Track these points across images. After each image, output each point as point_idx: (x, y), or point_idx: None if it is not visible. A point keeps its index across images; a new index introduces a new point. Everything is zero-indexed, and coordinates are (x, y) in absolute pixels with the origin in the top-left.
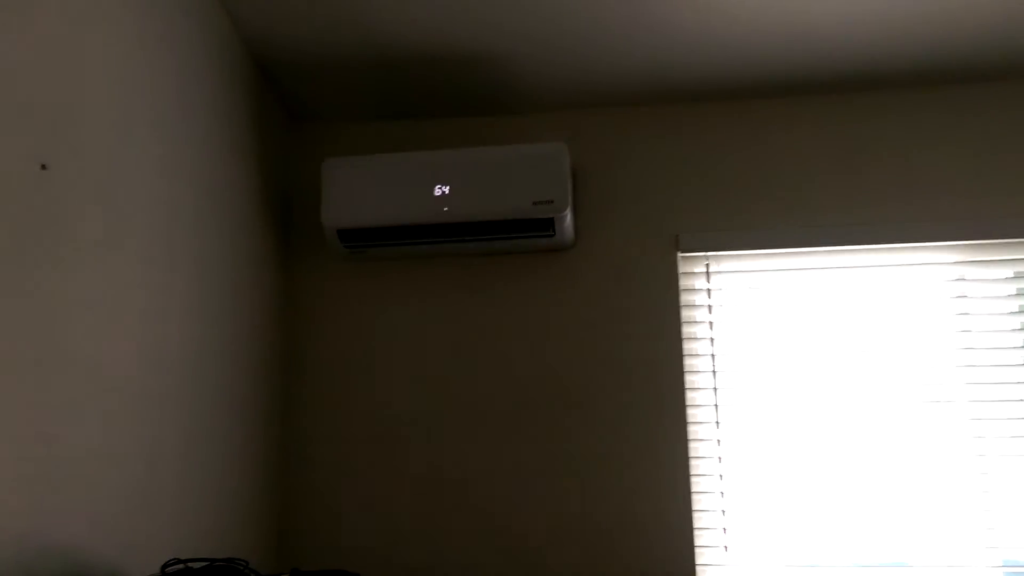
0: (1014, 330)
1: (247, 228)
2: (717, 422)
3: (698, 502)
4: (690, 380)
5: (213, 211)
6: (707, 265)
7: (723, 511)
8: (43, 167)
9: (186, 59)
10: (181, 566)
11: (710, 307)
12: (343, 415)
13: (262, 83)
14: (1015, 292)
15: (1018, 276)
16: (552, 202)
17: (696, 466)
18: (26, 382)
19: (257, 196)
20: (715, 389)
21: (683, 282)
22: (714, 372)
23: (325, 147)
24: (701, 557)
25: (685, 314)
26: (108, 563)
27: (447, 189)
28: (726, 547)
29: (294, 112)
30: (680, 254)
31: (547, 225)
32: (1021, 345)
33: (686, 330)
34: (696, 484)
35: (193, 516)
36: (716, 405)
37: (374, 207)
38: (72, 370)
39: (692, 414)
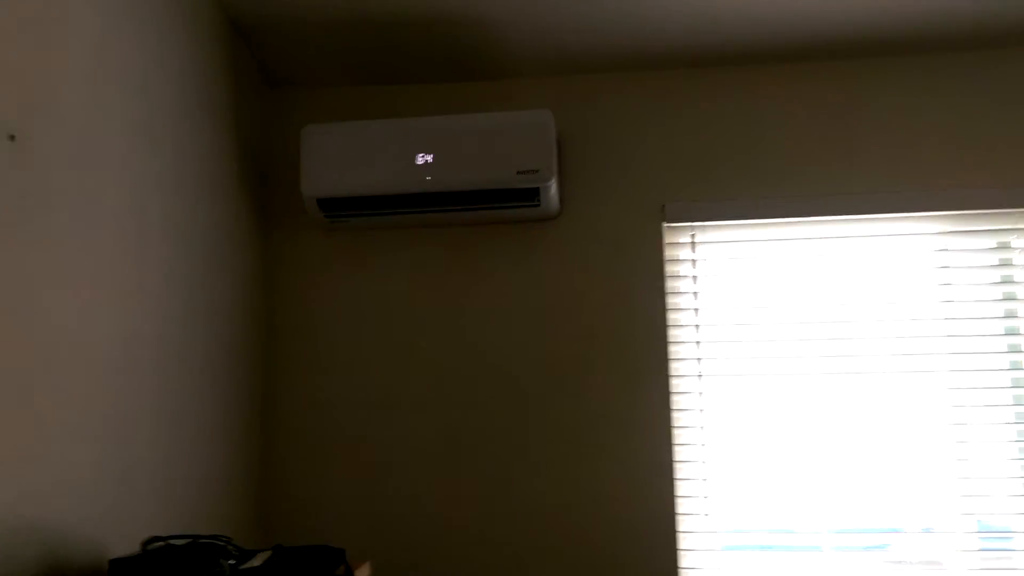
0: (995, 300)
1: (224, 197)
2: (700, 392)
3: (680, 470)
4: (674, 350)
5: (189, 179)
6: (692, 235)
7: (704, 479)
8: (11, 138)
9: (159, 21)
10: (162, 543)
11: (695, 277)
12: (323, 388)
13: (239, 46)
14: (997, 262)
15: (1001, 247)
16: (537, 171)
17: (679, 435)
18: (6, 361)
19: (234, 164)
20: (699, 359)
21: (668, 252)
22: (698, 342)
23: (304, 113)
24: (683, 525)
25: (670, 284)
26: (86, 540)
27: (430, 157)
28: (707, 515)
29: (272, 77)
30: (665, 224)
31: (532, 195)
32: (1002, 315)
33: (671, 300)
34: (678, 453)
35: (172, 493)
36: (700, 375)
37: (355, 175)
38: (46, 344)
39: (676, 384)
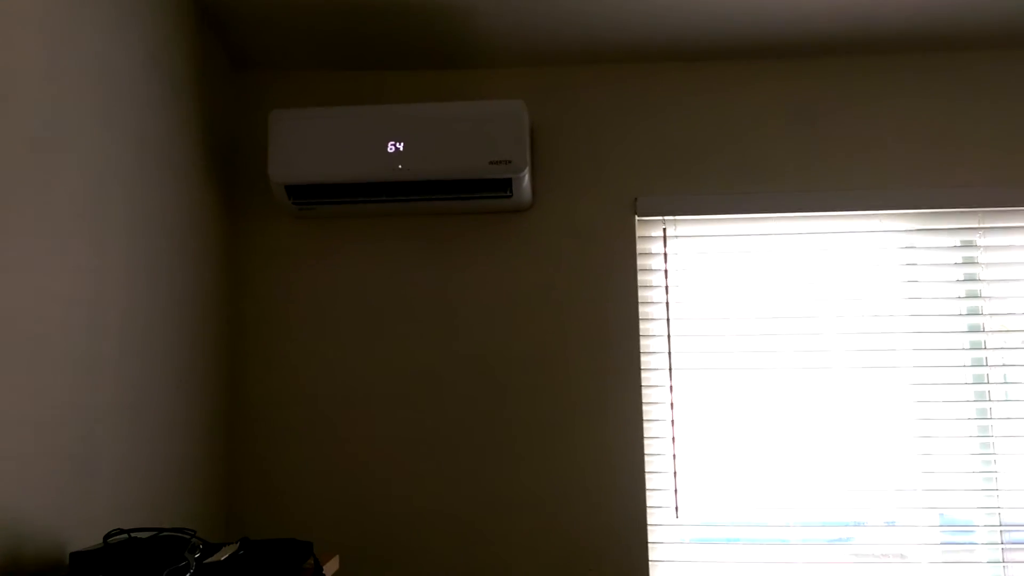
0: (959, 298)
1: (188, 182)
2: (671, 386)
3: (650, 464)
4: (645, 344)
5: (151, 163)
6: (664, 229)
7: (675, 473)
8: None
9: (125, 4)
10: (125, 536)
11: (667, 271)
12: (290, 379)
13: (203, 27)
14: (961, 260)
15: (965, 245)
16: (510, 162)
17: (649, 428)
18: None
19: (199, 148)
20: (670, 353)
21: (640, 246)
22: (669, 336)
23: (272, 97)
24: (652, 518)
25: (642, 278)
26: (45, 533)
27: (401, 145)
28: (677, 509)
29: (238, 60)
30: (638, 217)
31: (504, 185)
32: (965, 313)
33: (643, 294)
34: (649, 446)
35: (134, 485)
36: (670, 369)
37: (324, 162)
38: (2, 334)
39: (646, 377)
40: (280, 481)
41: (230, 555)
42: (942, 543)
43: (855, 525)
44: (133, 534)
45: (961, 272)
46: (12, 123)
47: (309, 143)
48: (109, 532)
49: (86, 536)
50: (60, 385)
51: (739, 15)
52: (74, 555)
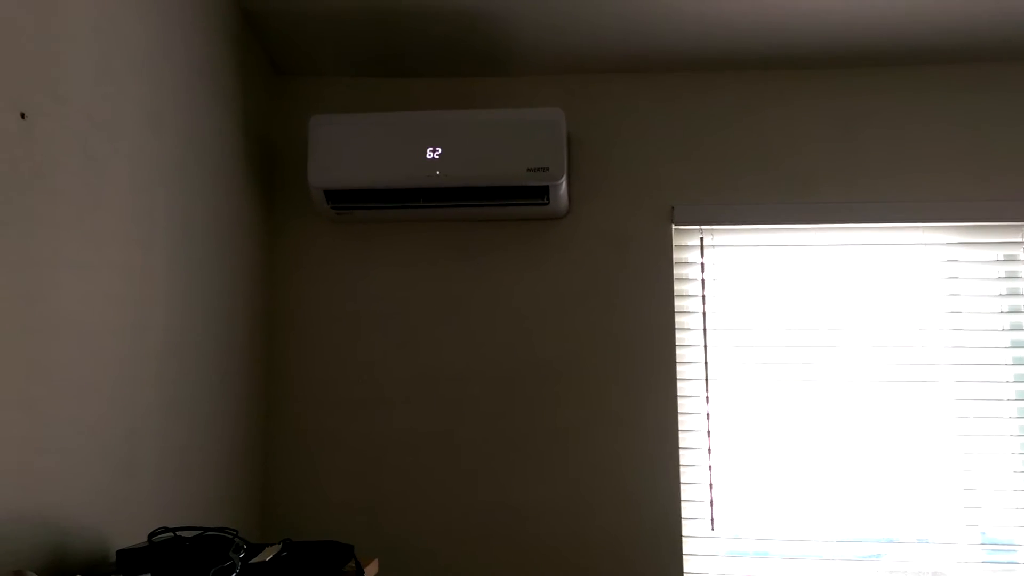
0: (1001, 312)
1: (231, 186)
2: (707, 397)
3: (686, 475)
4: (681, 354)
5: (195, 167)
6: (701, 238)
7: (710, 484)
8: (22, 116)
9: (168, 5)
10: (170, 535)
11: (703, 281)
12: (328, 380)
13: (248, 34)
14: (1004, 274)
15: (1008, 259)
16: (548, 170)
17: (684, 439)
18: (5, 345)
19: (241, 153)
20: (706, 364)
21: (677, 255)
22: (705, 347)
23: (312, 104)
24: (687, 529)
25: (678, 287)
26: (90, 531)
27: (439, 152)
28: (712, 520)
29: (280, 66)
30: (674, 226)
31: (541, 193)
32: (1008, 328)
33: (679, 303)
34: (684, 457)
35: (175, 485)
36: (706, 379)
37: (363, 168)
38: (51, 333)
39: (682, 388)
40: (314, 482)
41: (273, 556)
42: (983, 561)
43: (892, 541)
44: (178, 533)
45: (1004, 286)
46: (64, 122)
47: (348, 149)
48: (154, 530)
49: (129, 534)
50: (105, 383)
51: (780, 26)
52: (121, 552)
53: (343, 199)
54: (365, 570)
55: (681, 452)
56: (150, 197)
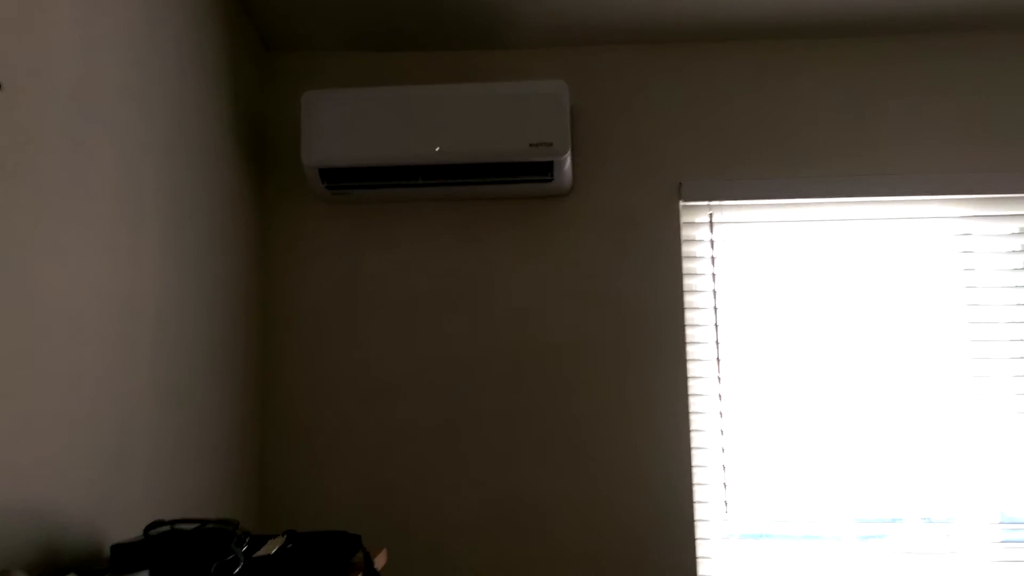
0: (1017, 287)
1: (221, 165)
2: (719, 377)
3: (698, 458)
4: (691, 334)
5: (184, 144)
6: (710, 215)
7: (723, 467)
8: None
9: None
10: (167, 527)
11: (713, 258)
12: (325, 368)
13: (236, 7)
14: (1020, 248)
15: None
16: (551, 144)
17: (696, 422)
18: None
19: (231, 130)
20: (717, 343)
21: (685, 232)
22: (716, 326)
23: (305, 80)
24: (700, 513)
25: (687, 265)
26: (84, 525)
27: (438, 127)
28: (726, 503)
29: (271, 41)
30: (682, 203)
31: (545, 169)
32: None
33: (687, 282)
34: (696, 440)
35: (169, 477)
36: (718, 360)
37: (358, 145)
38: (36, 321)
39: (692, 369)
40: (313, 473)
41: (278, 548)
42: (1001, 541)
43: (908, 521)
44: (176, 526)
45: (1020, 260)
46: (45, 95)
47: (343, 125)
48: (150, 523)
49: (123, 528)
50: (95, 374)
51: None
52: (115, 547)
53: (338, 178)
54: (374, 561)
55: (693, 435)
56: (137, 178)
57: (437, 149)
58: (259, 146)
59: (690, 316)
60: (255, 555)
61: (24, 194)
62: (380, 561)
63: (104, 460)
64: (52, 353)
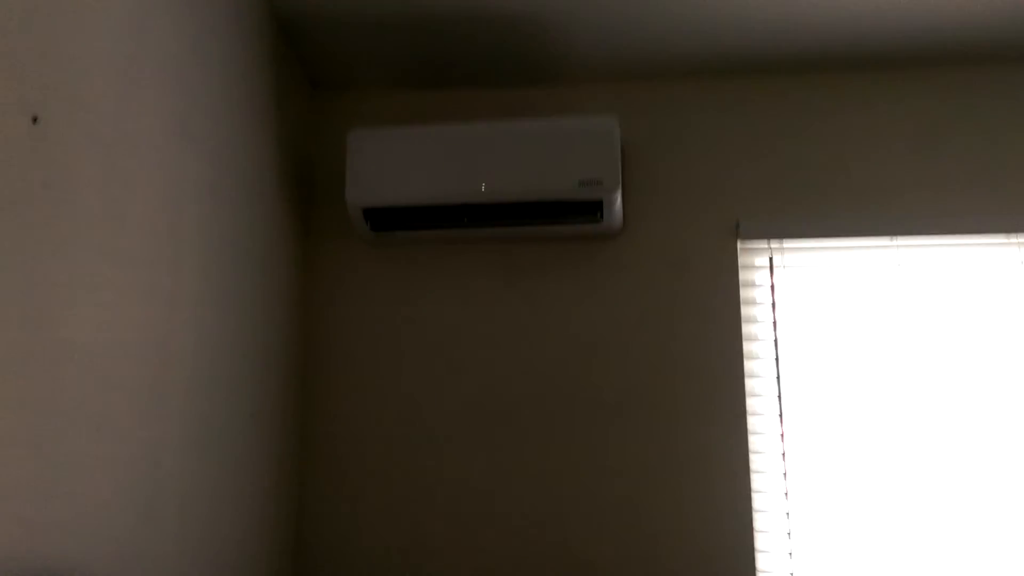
0: None
1: (264, 205)
2: (782, 434)
3: (759, 521)
4: (751, 385)
5: (227, 183)
6: (770, 256)
7: (788, 533)
8: (34, 120)
9: (200, 10)
10: None
11: (774, 303)
12: (367, 414)
13: (283, 45)
14: None
15: None
16: (601, 182)
17: (757, 482)
18: (13, 376)
19: (275, 170)
20: (779, 396)
21: (743, 274)
22: (778, 377)
23: (351, 118)
24: None
25: (746, 310)
26: None
27: (484, 166)
28: (792, 574)
29: (317, 78)
30: (740, 243)
31: (594, 208)
32: None
33: (747, 328)
34: (757, 501)
35: (201, 526)
36: (780, 414)
37: (404, 184)
38: (66, 362)
39: (753, 424)
40: (352, 526)
41: None
42: None
43: None
44: None
45: None
46: (83, 127)
47: (388, 164)
48: None
49: None
50: (123, 418)
51: (853, 23)
52: None
53: (383, 218)
54: None
55: (753, 496)
56: (178, 215)
57: (483, 188)
58: (304, 187)
59: (750, 366)
60: None
61: (57, 228)
62: None
63: (131, 513)
64: (77, 397)
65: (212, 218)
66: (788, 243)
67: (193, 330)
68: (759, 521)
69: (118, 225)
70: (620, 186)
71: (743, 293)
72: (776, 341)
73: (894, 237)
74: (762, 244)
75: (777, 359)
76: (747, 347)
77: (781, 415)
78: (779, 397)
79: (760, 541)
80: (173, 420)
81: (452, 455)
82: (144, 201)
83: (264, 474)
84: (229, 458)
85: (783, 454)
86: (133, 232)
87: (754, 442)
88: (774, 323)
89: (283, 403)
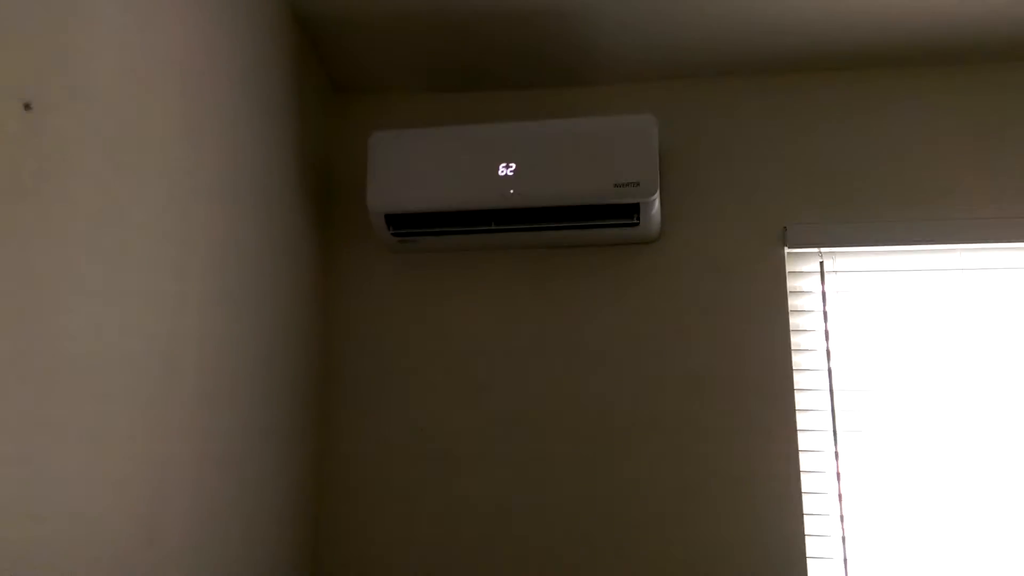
0: None
1: (281, 209)
2: (836, 452)
3: (812, 546)
4: (800, 400)
5: (242, 185)
6: (821, 263)
7: (844, 560)
8: (26, 107)
9: (220, 11)
10: None
11: (825, 313)
12: (388, 433)
13: (304, 44)
14: None
15: None
16: (638, 184)
17: (809, 502)
18: (7, 387)
19: (294, 172)
20: (832, 411)
21: (791, 283)
22: (831, 391)
23: (373, 121)
24: None
25: (794, 321)
26: None
27: (513, 168)
28: None
29: (339, 81)
30: (788, 249)
31: (631, 211)
32: None
33: (795, 340)
34: (810, 525)
35: (210, 548)
36: (834, 431)
37: (428, 188)
38: (64, 372)
39: (804, 441)
40: (372, 550)
41: None
42: None
43: None
44: None
45: None
46: (82, 117)
47: (412, 168)
48: None
49: None
50: (124, 433)
51: (906, 16)
52: None
53: (406, 224)
54: None
55: (806, 520)
56: (186, 216)
57: (512, 191)
58: (324, 192)
59: (799, 379)
60: None
61: (51, 225)
62: None
63: (133, 536)
64: (73, 410)
65: (224, 221)
66: (839, 249)
67: (199, 339)
68: (812, 547)
69: (119, 224)
70: (658, 189)
71: (791, 302)
72: (828, 353)
73: (950, 244)
74: (811, 250)
75: (830, 372)
76: (796, 360)
77: (835, 434)
78: (832, 413)
79: (813, 567)
80: (179, 435)
81: (475, 474)
82: (149, 200)
83: (278, 493)
84: (241, 476)
85: (838, 474)
86: (136, 232)
87: (806, 461)
88: (826, 334)
89: (298, 418)
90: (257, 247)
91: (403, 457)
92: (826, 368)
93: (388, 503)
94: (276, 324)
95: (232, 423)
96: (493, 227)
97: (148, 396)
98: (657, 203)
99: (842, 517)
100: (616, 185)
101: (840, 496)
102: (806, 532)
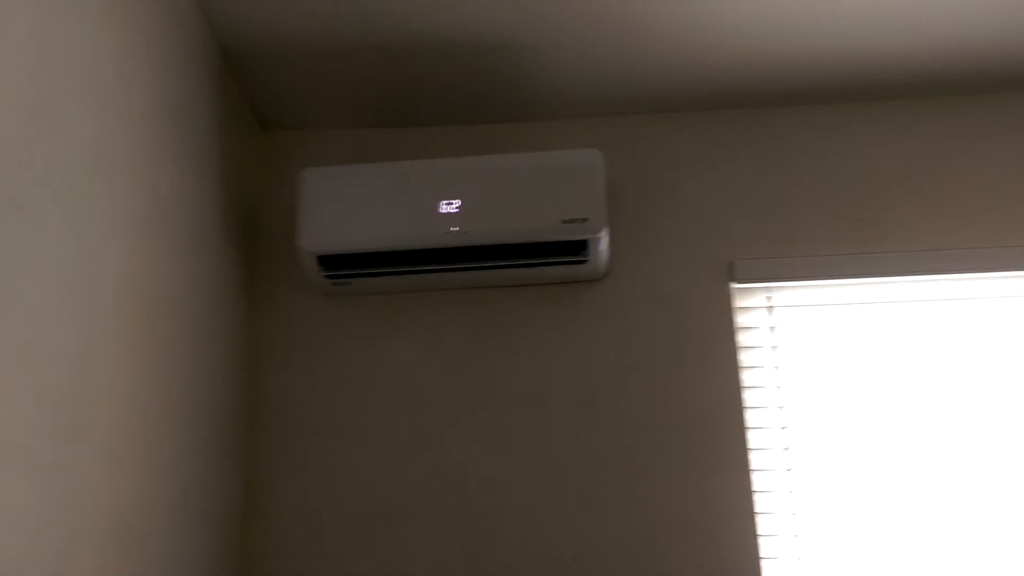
0: None
1: (203, 251)
2: (789, 490)
3: None
4: (753, 438)
5: (160, 225)
6: (768, 297)
7: None
8: None
9: (136, 36)
10: None
11: (774, 348)
12: (321, 490)
13: (229, 77)
14: None
15: None
16: (586, 220)
17: (765, 546)
18: None
19: (218, 212)
20: (785, 448)
21: (739, 318)
22: (783, 428)
23: (305, 159)
24: None
25: (743, 357)
26: None
27: (455, 205)
28: None
29: (268, 116)
30: (734, 285)
31: (579, 248)
32: None
33: (744, 376)
34: (767, 569)
35: None
36: (788, 469)
37: (364, 227)
38: None
39: (757, 481)
40: None
41: None
42: None
43: None
44: None
45: None
46: None
47: (346, 206)
48: None
49: None
50: (18, 507)
51: (844, 53)
52: None
53: (339, 265)
54: None
55: (763, 563)
56: (94, 262)
57: (454, 229)
58: (251, 232)
59: (750, 416)
60: None
61: None
62: None
63: None
64: None
65: (142, 266)
66: (786, 284)
67: (110, 399)
68: None
69: (19, 268)
70: (607, 225)
71: (739, 338)
72: (778, 388)
73: (899, 276)
74: (758, 286)
75: (781, 408)
76: (746, 396)
77: (788, 470)
78: (785, 450)
79: None
80: (82, 510)
81: (418, 533)
82: (49, 243)
83: (197, 565)
84: (154, 550)
85: (793, 514)
86: (39, 281)
87: (759, 501)
88: (775, 369)
89: (221, 481)
90: (175, 294)
91: (338, 517)
92: (775, 404)
93: (320, 569)
94: (196, 378)
95: (144, 492)
96: (434, 267)
97: (46, 463)
98: (605, 239)
99: (799, 558)
100: (564, 221)
101: (796, 536)
102: (760, 573)
